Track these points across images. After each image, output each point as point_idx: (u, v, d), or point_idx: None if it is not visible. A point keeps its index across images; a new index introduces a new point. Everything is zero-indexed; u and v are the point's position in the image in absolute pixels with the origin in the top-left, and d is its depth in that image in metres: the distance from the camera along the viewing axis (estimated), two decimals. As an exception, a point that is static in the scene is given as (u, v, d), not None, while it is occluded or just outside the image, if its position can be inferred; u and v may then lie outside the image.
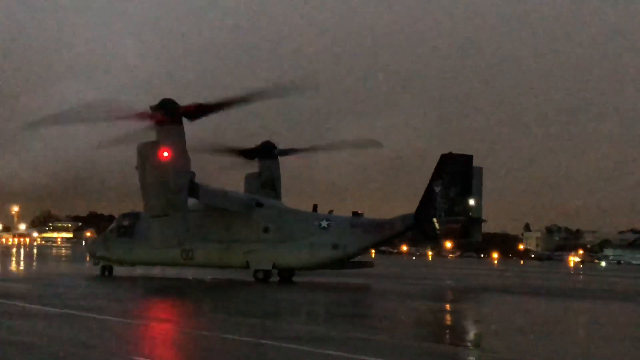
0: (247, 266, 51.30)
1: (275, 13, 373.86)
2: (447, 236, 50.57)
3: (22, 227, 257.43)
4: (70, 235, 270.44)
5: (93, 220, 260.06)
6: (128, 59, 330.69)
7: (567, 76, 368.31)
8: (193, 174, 47.02)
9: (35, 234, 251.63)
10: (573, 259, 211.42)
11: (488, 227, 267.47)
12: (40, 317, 25.82)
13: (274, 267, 51.06)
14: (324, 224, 51.32)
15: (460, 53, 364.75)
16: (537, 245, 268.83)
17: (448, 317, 32.97)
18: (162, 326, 24.92)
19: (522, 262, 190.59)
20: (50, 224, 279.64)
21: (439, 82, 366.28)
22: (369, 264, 58.12)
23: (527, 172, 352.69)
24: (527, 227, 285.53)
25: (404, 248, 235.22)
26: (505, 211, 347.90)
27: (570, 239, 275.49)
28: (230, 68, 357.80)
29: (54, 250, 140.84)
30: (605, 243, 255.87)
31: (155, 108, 45.00)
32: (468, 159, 49.30)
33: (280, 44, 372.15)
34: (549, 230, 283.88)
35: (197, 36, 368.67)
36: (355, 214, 52.87)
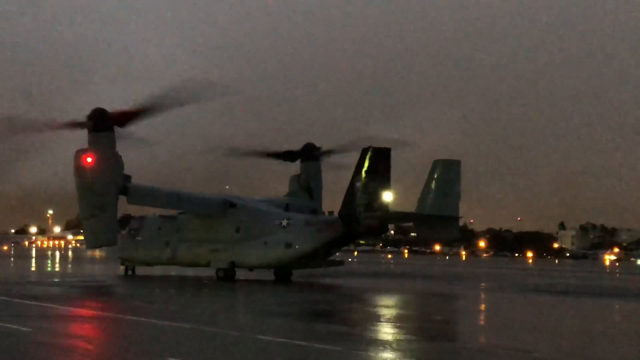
0: (209, 265, 53.12)
1: (315, 12, 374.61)
2: (367, 232, 49.53)
3: (57, 229, 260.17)
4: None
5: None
6: (160, 62, 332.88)
7: (600, 73, 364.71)
8: (125, 176, 48.98)
9: (69, 237, 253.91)
10: (608, 258, 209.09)
11: (522, 226, 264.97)
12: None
13: (235, 266, 52.29)
14: (284, 222, 51.91)
15: (494, 47, 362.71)
16: (572, 244, 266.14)
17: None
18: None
19: (556, 261, 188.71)
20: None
21: (472, 79, 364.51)
22: (339, 262, 57.23)
23: (562, 170, 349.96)
24: (562, 226, 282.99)
25: (437, 248, 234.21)
26: (539, 209, 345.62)
27: (605, 237, 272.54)
28: (266, 69, 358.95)
29: (89, 253, 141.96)
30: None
31: (88, 117, 47.61)
32: (387, 152, 48.52)
33: (316, 44, 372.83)
34: (584, 229, 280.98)
35: (231, 39, 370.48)
36: (314, 212, 52.93)
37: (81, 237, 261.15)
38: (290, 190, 59.31)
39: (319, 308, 34.74)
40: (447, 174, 53.33)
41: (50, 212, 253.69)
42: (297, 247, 51.18)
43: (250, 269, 54.00)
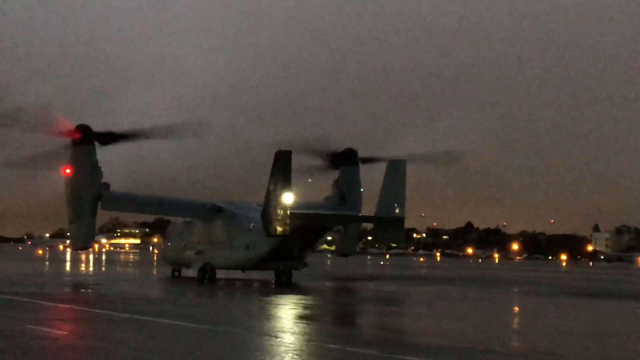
0: (190, 266, 56.84)
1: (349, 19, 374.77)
2: (278, 234, 49.89)
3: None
4: (138, 241, 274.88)
5: (160, 226, 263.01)
6: (200, 68, 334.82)
7: (636, 75, 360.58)
8: (103, 185, 52.10)
9: (104, 241, 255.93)
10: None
11: (556, 229, 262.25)
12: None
13: (212, 267, 54.71)
14: (251, 226, 52.97)
15: (528, 49, 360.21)
16: (606, 246, 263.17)
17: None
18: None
19: (591, 263, 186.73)
20: (119, 231, 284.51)
21: (503, 82, 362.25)
22: (301, 264, 56.45)
23: (596, 172, 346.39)
24: (596, 228, 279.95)
25: (469, 251, 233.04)
26: (573, 212, 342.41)
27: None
28: (302, 77, 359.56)
29: (122, 256, 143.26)
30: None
31: (72, 131, 51.18)
32: (288, 154, 49.10)
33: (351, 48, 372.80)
34: (619, 231, 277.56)
35: (268, 46, 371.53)
36: None
37: (116, 241, 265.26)
38: (331, 194, 59.98)
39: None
40: (394, 174, 54.58)
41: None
42: (254, 249, 52.82)
43: (243, 270, 55.74)
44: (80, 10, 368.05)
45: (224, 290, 48.49)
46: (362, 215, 56.45)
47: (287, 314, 32.16)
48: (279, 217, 48.38)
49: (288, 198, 48.29)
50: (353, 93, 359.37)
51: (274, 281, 53.84)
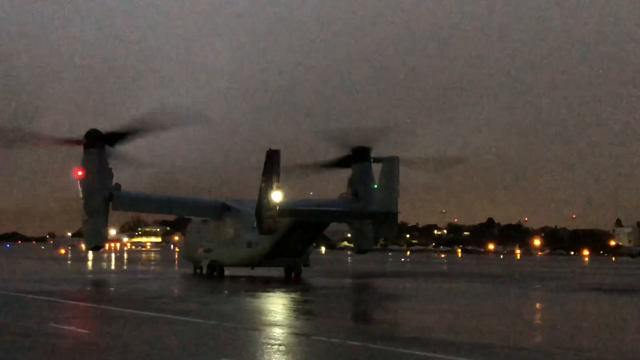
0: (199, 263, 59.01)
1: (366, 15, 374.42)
2: (269, 232, 50.74)
3: (113, 232, 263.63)
4: (159, 239, 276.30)
5: (181, 224, 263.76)
6: (213, 66, 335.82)
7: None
8: (113, 186, 53.55)
9: (125, 239, 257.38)
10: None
11: (578, 224, 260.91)
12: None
13: (219, 265, 56.28)
14: (254, 224, 52.97)
15: (553, 43, 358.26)
16: (629, 241, 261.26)
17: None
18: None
19: (613, 258, 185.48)
20: (140, 229, 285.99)
21: (524, 76, 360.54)
22: (303, 261, 57.17)
23: (618, 167, 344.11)
24: (619, 223, 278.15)
25: (491, 247, 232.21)
26: (595, 207, 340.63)
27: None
28: (321, 71, 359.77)
29: (144, 255, 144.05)
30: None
31: (84, 136, 52.94)
32: (277, 153, 49.68)
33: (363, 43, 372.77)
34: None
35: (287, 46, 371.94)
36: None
37: (137, 239, 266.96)
38: (346, 192, 60.43)
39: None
40: (388, 170, 56.85)
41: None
42: (255, 246, 53.84)
43: (252, 267, 56.36)
44: (89, 10, 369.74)
45: (227, 286, 48.68)
46: (355, 211, 56.83)
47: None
48: (269, 215, 49.39)
49: (277, 196, 49.27)
50: (367, 91, 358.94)
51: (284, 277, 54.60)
